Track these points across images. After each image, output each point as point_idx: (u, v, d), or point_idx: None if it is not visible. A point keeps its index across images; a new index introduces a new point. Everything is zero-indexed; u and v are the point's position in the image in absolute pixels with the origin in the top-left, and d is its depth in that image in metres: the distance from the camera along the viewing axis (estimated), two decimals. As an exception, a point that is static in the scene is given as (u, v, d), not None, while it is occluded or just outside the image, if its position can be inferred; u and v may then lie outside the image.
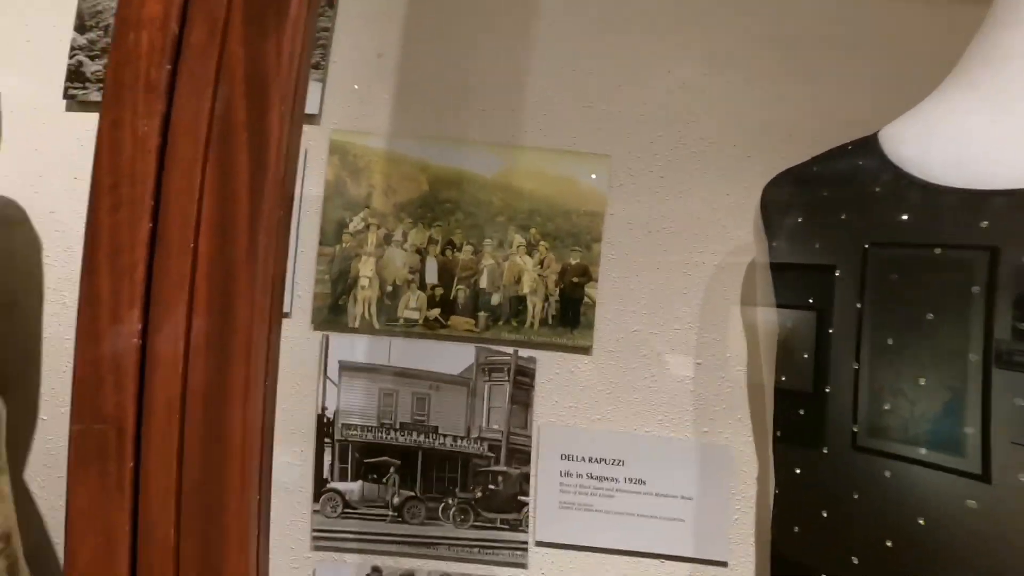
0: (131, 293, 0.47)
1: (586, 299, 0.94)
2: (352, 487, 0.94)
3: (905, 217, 0.66)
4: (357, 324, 0.95)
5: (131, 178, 0.48)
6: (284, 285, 0.52)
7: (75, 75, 0.98)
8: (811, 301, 0.74)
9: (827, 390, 0.71)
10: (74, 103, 0.98)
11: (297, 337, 0.95)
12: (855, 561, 0.67)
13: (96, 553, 0.43)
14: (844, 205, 0.72)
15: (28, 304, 0.97)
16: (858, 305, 0.69)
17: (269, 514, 0.49)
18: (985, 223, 0.61)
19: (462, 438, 0.94)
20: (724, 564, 0.92)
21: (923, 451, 0.64)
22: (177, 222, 0.48)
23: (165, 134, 0.49)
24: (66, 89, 0.98)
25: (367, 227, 0.96)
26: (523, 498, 0.94)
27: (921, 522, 0.63)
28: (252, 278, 0.48)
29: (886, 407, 0.67)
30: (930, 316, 0.64)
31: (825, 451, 0.71)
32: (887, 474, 0.66)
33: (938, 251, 0.64)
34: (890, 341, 0.66)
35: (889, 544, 0.65)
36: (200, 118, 0.49)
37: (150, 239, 0.48)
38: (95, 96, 0.97)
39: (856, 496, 0.68)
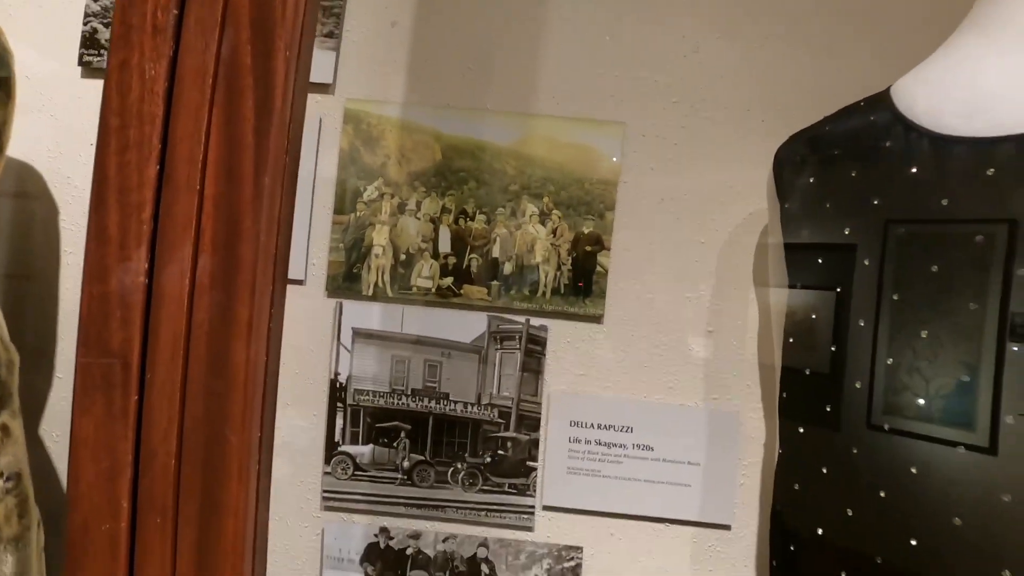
0: (138, 232, 0.48)
1: (598, 268, 0.94)
2: (363, 450, 0.95)
3: (914, 170, 0.65)
4: (371, 292, 0.95)
5: (139, 119, 0.49)
6: (291, 228, 0.53)
7: (89, 42, 0.98)
8: (820, 261, 0.74)
9: (832, 349, 0.71)
10: (89, 70, 0.99)
11: (311, 304, 0.96)
12: (849, 513, 0.67)
13: (98, 478, 0.44)
14: (854, 162, 0.72)
15: (46, 268, 0.98)
16: (866, 263, 0.69)
17: (272, 450, 0.50)
18: (991, 171, 0.60)
19: (473, 405, 0.95)
20: (727, 528, 0.92)
21: (921, 402, 0.63)
22: (184, 163, 0.49)
23: (172, 77, 0.49)
24: (81, 56, 0.99)
25: (381, 196, 0.96)
26: (531, 464, 0.94)
27: (913, 471, 0.63)
28: (257, 219, 0.48)
29: (889, 362, 0.66)
30: (935, 269, 0.63)
31: (828, 410, 0.70)
32: (886, 427, 0.66)
33: (945, 202, 0.63)
34: (895, 297, 0.66)
35: (883, 495, 0.64)
36: (206, 62, 0.49)
37: (157, 180, 0.49)
38: (113, 64, 0.98)
39: (855, 451, 0.68)
